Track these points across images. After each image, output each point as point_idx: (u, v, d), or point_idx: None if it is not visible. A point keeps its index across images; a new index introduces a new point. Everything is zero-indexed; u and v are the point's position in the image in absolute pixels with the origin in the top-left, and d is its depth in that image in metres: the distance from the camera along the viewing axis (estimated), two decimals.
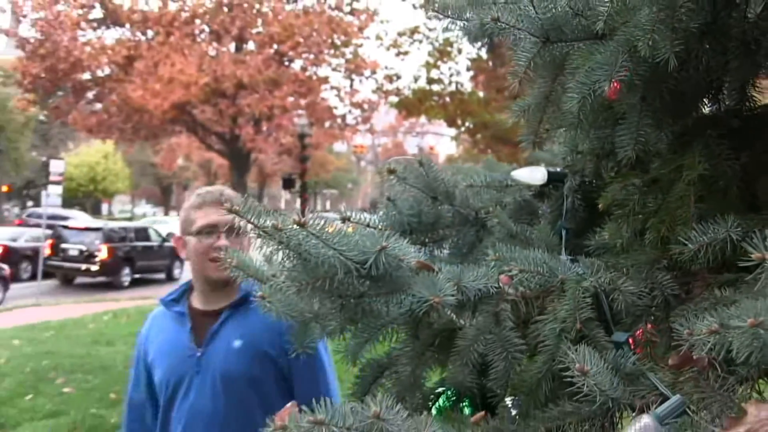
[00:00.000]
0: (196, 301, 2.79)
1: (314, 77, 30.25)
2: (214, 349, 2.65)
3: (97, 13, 28.49)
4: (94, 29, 28.94)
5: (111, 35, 28.82)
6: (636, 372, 1.55)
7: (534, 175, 2.11)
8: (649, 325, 1.69)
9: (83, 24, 28.44)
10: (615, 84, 1.70)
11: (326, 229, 1.59)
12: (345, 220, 2.00)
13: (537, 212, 2.20)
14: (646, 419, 1.41)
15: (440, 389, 1.93)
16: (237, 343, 2.63)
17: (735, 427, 1.31)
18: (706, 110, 1.92)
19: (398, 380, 1.93)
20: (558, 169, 2.12)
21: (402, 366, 1.93)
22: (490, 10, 1.87)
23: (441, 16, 1.99)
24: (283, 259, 1.64)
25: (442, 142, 48.00)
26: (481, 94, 27.63)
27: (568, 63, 1.84)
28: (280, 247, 1.59)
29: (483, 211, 2.14)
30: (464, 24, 1.99)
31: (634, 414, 1.48)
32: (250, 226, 1.71)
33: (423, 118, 33.67)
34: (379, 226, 2.06)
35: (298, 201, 29.57)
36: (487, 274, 1.70)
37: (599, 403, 1.49)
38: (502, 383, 1.73)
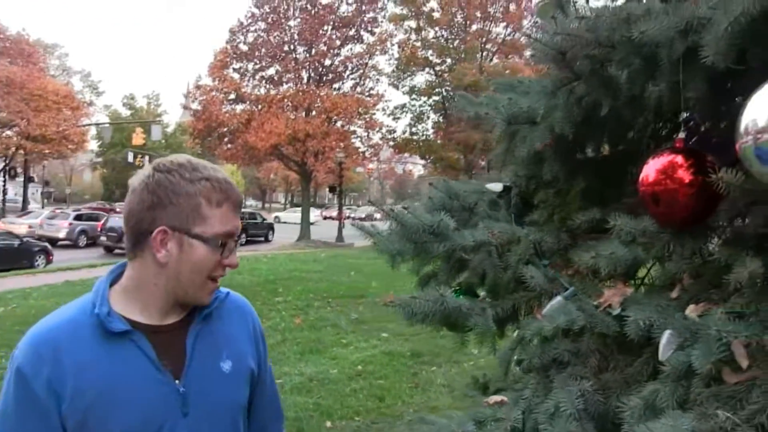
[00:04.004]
0: (135, 315, 1.11)
1: (348, 131, 30.16)
2: (198, 379, 1.13)
3: (232, 96, 28.54)
4: (230, 104, 28.88)
5: (239, 107, 28.75)
6: (553, 276, 1.65)
7: (497, 186, 2.13)
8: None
9: (225, 102, 28.53)
10: (541, 145, 1.91)
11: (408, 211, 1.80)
12: (405, 208, 2.22)
13: (498, 204, 2.15)
14: (558, 298, 1.54)
15: (458, 288, 1.94)
16: (226, 366, 1.18)
17: (599, 299, 1.46)
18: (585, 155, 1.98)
19: (438, 282, 1.95)
20: (508, 184, 2.12)
21: (440, 276, 1.98)
22: (483, 107, 1.98)
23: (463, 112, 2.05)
24: (390, 224, 1.77)
25: (416, 167, 48.21)
26: (438, 141, 28.23)
27: (519, 134, 1.89)
28: (390, 219, 1.76)
29: (472, 203, 2.12)
30: (469, 115, 2.01)
31: (553, 296, 1.59)
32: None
33: (407, 154, 33.79)
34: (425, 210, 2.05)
35: (336, 198, 29.67)
36: (483, 233, 1.78)
37: (537, 292, 1.63)
38: (491, 284, 1.83)
